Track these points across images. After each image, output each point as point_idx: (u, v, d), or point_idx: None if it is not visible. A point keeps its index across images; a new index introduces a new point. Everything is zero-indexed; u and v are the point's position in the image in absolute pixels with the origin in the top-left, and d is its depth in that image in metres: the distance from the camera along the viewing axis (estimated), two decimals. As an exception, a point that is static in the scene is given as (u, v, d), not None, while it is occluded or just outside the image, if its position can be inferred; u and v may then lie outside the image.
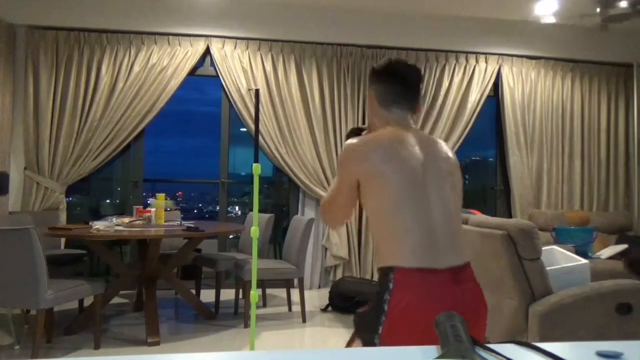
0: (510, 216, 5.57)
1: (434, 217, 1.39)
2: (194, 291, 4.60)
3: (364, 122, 5.41)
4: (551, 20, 4.92)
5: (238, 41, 5.19)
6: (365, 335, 1.37)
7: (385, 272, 1.37)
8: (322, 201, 1.61)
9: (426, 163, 1.44)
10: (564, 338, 2.47)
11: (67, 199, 5.09)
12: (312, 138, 5.27)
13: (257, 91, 3.10)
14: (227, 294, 4.50)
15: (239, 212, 6.31)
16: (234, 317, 4.18)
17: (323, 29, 5.32)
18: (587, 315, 2.55)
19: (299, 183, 5.27)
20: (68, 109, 4.89)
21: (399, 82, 1.54)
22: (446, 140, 5.37)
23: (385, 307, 1.32)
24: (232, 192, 5.76)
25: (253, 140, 5.35)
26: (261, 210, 4.49)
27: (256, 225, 2.63)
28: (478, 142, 6.11)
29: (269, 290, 4.75)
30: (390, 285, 1.33)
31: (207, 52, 5.17)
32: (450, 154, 1.54)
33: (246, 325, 3.84)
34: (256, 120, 2.96)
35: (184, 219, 4.48)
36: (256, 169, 2.65)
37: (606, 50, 5.76)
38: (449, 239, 1.39)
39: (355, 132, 1.65)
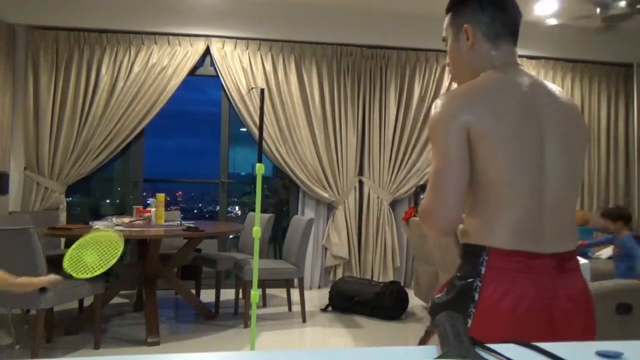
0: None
1: (547, 189, 1.14)
2: (194, 291, 4.59)
3: (364, 123, 5.41)
4: (553, 22, 4.93)
5: (238, 41, 5.19)
6: None
7: (474, 251, 1.15)
8: (422, 207, 1.20)
9: (549, 120, 1.17)
10: (564, 338, 2.46)
11: (67, 199, 5.09)
12: (312, 138, 5.27)
13: (262, 91, 3.09)
14: (227, 294, 4.50)
15: (239, 212, 6.32)
16: (234, 317, 4.18)
17: (323, 29, 5.32)
18: (587, 315, 2.54)
19: (299, 183, 5.27)
20: (68, 109, 4.89)
21: (506, 6, 1.25)
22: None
23: (476, 297, 1.11)
24: (232, 192, 5.76)
25: (253, 140, 5.35)
26: (261, 210, 4.49)
27: (258, 225, 2.63)
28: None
29: (269, 290, 4.75)
30: (483, 270, 1.12)
31: (207, 52, 5.17)
32: (577, 109, 1.26)
33: (246, 325, 3.84)
34: (260, 121, 2.94)
35: (184, 219, 4.48)
36: (259, 169, 2.63)
37: (606, 50, 5.76)
38: (560, 218, 1.15)
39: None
